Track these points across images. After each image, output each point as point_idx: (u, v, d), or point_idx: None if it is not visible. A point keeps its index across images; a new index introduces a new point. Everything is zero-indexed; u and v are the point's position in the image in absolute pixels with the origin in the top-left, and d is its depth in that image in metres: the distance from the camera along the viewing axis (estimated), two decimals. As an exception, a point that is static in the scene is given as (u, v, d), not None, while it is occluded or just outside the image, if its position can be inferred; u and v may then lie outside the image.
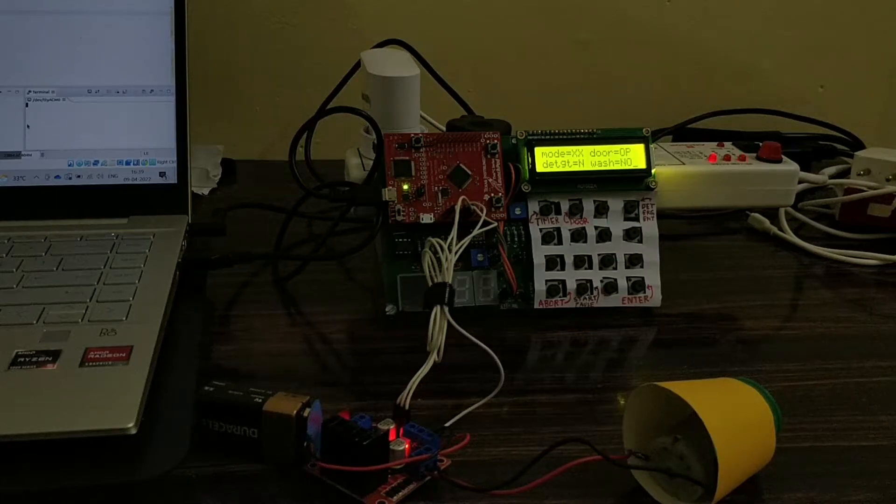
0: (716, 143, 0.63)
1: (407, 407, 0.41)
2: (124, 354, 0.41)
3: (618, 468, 0.38)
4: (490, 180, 0.54)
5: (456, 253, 0.49)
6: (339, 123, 0.62)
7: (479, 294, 0.53)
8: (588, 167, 0.54)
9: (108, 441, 0.37)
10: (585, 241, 0.54)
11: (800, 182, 0.62)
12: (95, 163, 0.58)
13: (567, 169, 0.54)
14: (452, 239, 0.49)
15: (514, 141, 0.55)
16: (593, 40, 0.91)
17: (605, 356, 0.52)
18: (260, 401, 0.39)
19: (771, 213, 0.71)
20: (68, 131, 0.58)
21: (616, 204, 0.55)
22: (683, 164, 0.59)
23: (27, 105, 0.57)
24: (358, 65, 0.69)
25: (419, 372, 0.42)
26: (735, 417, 0.38)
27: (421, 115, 0.68)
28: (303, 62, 0.86)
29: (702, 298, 0.59)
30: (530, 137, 0.54)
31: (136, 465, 0.38)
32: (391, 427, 0.39)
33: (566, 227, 0.54)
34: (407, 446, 0.39)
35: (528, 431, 0.43)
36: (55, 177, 0.58)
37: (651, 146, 0.55)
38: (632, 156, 0.55)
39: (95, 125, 0.58)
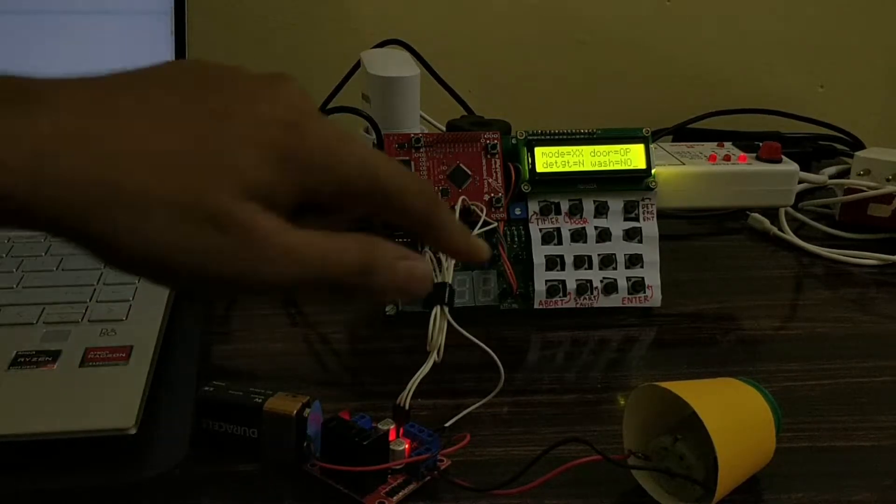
0: (716, 143, 0.63)
1: (407, 407, 0.41)
2: (124, 354, 0.41)
3: (618, 468, 0.38)
4: (490, 180, 0.54)
5: (456, 253, 0.49)
6: (339, 123, 0.62)
7: (479, 294, 0.53)
8: (588, 167, 0.54)
9: (108, 441, 0.37)
10: (585, 242, 0.54)
11: (800, 182, 0.62)
12: (95, 163, 0.58)
13: (567, 169, 0.54)
14: (452, 239, 0.49)
15: (514, 141, 0.55)
16: (593, 40, 0.91)
17: (605, 356, 0.52)
18: (260, 401, 0.39)
19: (771, 213, 0.71)
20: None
21: (616, 204, 0.55)
22: (683, 164, 0.59)
23: (27, 105, 0.57)
24: (358, 65, 0.69)
25: (419, 372, 0.42)
26: (735, 417, 0.38)
27: (421, 115, 0.68)
28: (303, 62, 0.86)
29: (702, 298, 0.59)
30: (530, 137, 0.54)
31: (136, 465, 0.38)
32: (391, 427, 0.39)
33: (566, 227, 0.54)
34: (407, 446, 0.39)
35: (528, 431, 0.43)
36: (55, 177, 0.58)
37: (651, 146, 0.55)
38: (632, 156, 0.55)
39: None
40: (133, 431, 0.37)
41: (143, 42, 0.59)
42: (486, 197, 0.53)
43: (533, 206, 0.54)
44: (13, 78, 0.28)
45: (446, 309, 0.45)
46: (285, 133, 0.29)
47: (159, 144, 0.27)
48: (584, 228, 0.54)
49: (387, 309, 0.52)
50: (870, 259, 0.65)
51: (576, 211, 0.55)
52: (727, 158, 0.60)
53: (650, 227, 0.55)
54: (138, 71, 0.30)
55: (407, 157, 0.53)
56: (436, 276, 0.48)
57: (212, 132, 0.28)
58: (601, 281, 0.54)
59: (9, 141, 0.25)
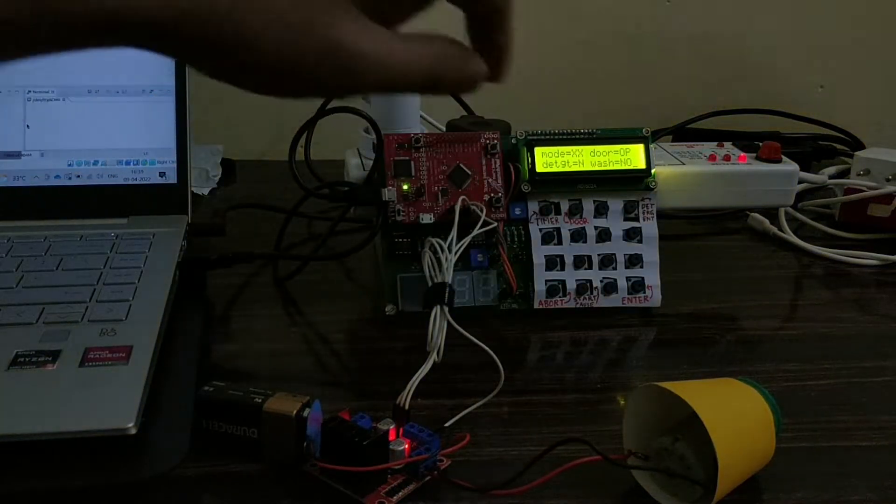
0: (716, 143, 0.63)
1: (407, 407, 0.41)
2: (124, 354, 0.41)
3: (618, 468, 0.38)
4: (490, 180, 0.54)
5: (456, 253, 0.49)
6: (339, 123, 0.62)
7: (478, 294, 0.53)
8: (588, 167, 0.54)
9: (108, 441, 0.37)
10: (585, 241, 0.54)
11: (800, 182, 0.62)
12: (95, 163, 0.58)
13: (567, 169, 0.54)
14: (452, 239, 0.49)
15: (514, 141, 0.55)
16: (593, 40, 0.91)
17: (605, 356, 0.52)
18: (260, 401, 0.39)
19: (771, 213, 0.71)
20: (68, 131, 0.58)
21: (616, 204, 0.55)
22: (683, 164, 0.59)
23: (27, 105, 0.57)
24: (358, 65, 0.69)
25: (419, 372, 0.42)
26: (735, 417, 0.38)
27: (421, 115, 0.68)
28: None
29: (702, 298, 0.59)
30: (530, 137, 0.54)
31: (136, 465, 0.38)
32: (391, 427, 0.39)
33: (566, 227, 0.54)
34: (407, 446, 0.39)
35: (528, 431, 0.43)
36: (55, 177, 0.58)
37: (651, 146, 0.55)
38: (632, 156, 0.55)
39: (95, 125, 0.58)
40: (133, 431, 0.37)
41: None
42: (486, 197, 0.53)
43: (533, 206, 0.54)
44: None
45: (446, 309, 0.45)
46: None
47: None
48: (583, 228, 0.54)
49: (387, 309, 0.52)
50: (870, 259, 0.65)
51: (576, 211, 0.55)
52: (727, 158, 0.60)
53: (650, 227, 0.55)
54: None
55: (407, 157, 0.53)
56: (436, 276, 0.48)
57: None
58: (601, 281, 0.54)
59: None
